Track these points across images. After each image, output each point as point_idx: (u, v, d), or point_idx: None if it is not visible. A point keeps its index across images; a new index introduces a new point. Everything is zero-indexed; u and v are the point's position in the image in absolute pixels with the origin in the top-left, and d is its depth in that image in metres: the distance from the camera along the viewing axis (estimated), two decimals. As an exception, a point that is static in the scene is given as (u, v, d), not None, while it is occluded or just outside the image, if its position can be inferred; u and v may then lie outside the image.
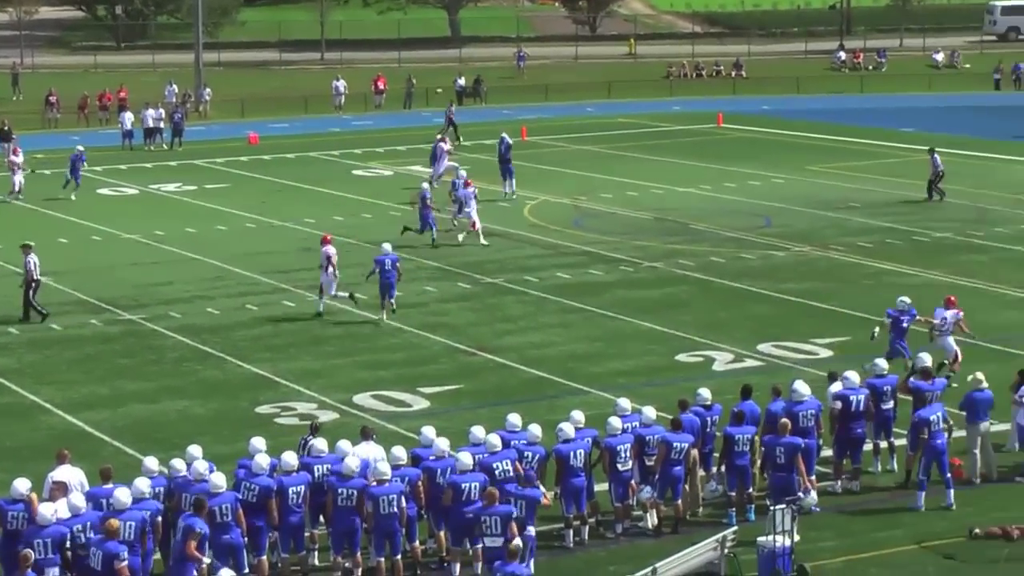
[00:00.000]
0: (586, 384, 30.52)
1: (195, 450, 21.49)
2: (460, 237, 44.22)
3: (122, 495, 19.90)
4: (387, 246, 37.24)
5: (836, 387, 24.70)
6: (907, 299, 30.72)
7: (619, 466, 22.67)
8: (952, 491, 23.72)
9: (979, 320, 34.00)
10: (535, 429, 22.70)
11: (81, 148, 51.91)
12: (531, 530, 21.10)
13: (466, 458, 21.50)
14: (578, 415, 23.23)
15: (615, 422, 23.04)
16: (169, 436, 26.64)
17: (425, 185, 46.39)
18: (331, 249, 36.91)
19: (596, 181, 55.10)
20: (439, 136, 56.38)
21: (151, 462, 21.32)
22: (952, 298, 31.16)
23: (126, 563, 19.03)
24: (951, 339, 30.37)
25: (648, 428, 23.17)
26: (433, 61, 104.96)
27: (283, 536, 21.11)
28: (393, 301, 36.14)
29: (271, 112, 78.41)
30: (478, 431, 22.41)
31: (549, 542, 22.40)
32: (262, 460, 21.14)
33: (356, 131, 72.43)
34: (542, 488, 21.63)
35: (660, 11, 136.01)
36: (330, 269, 36.56)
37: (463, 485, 21.22)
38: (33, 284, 36.29)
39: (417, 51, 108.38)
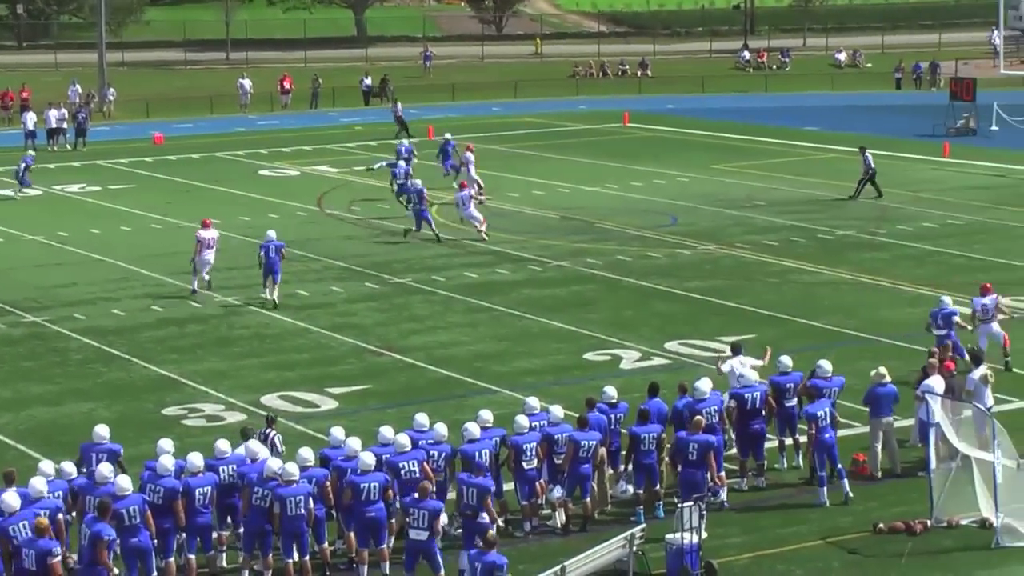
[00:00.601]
0: (494, 383, 30.57)
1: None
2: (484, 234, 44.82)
3: (11, 499, 19.75)
4: (271, 233, 38.39)
5: (732, 364, 25.44)
6: (947, 298, 31.35)
7: (524, 464, 22.74)
8: (846, 481, 24.02)
9: (881, 317, 34.44)
10: (441, 428, 22.74)
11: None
12: (484, 517, 21.39)
13: (368, 458, 21.50)
14: (486, 414, 23.29)
15: (522, 420, 23.12)
16: (74, 439, 26.32)
17: (419, 182, 46.79)
18: (207, 233, 38.51)
19: (502, 180, 55.20)
20: (447, 136, 55.72)
21: (47, 466, 21.11)
22: (987, 285, 31.70)
23: (59, 559, 18.91)
24: (995, 325, 31.09)
25: (556, 427, 23.25)
26: (339, 60, 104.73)
27: (190, 537, 21.00)
28: (276, 287, 37.15)
29: (176, 112, 77.94)
30: (386, 431, 22.43)
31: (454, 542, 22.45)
32: (167, 462, 21.01)
33: (262, 131, 72.14)
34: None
35: (566, 11, 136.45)
36: (205, 252, 38.18)
37: (362, 485, 21.22)
38: None
39: (323, 51, 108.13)
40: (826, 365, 25.27)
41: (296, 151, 64.81)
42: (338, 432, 22.50)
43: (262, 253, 37.27)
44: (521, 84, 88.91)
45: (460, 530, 21.86)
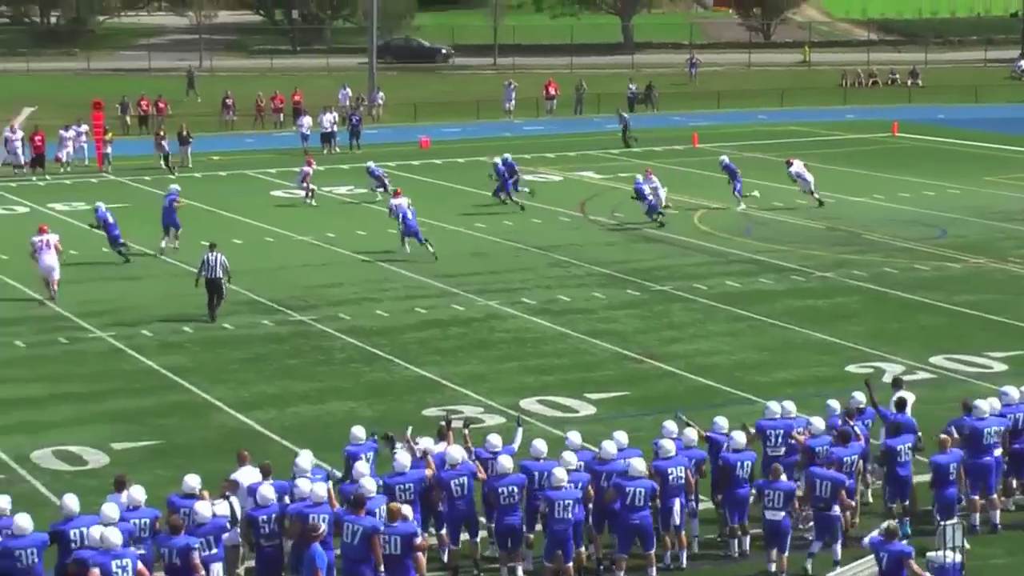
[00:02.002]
0: (753, 393, 30.21)
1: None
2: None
3: (266, 491, 20.21)
4: (174, 186, 45.60)
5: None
6: None
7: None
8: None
9: None
10: (691, 434, 22.56)
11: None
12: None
13: (639, 464, 21.34)
14: (739, 437, 22.81)
15: (739, 438, 22.53)
16: (335, 437, 26.76)
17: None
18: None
19: (767, 189, 54.61)
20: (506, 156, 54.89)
21: (304, 459, 21.39)
22: None
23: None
24: None
25: (816, 439, 22.85)
26: (605, 67, 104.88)
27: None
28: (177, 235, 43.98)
29: (443, 116, 78.83)
30: (666, 443, 22.08)
31: (713, 550, 22.24)
32: (457, 453, 21.41)
33: (527, 136, 72.52)
34: None
35: (835, 18, 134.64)
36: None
37: (628, 489, 21.07)
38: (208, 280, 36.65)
39: (589, 57, 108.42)
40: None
41: (560, 156, 65.01)
42: (610, 445, 22.31)
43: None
44: (788, 92, 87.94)
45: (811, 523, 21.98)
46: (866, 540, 19.85)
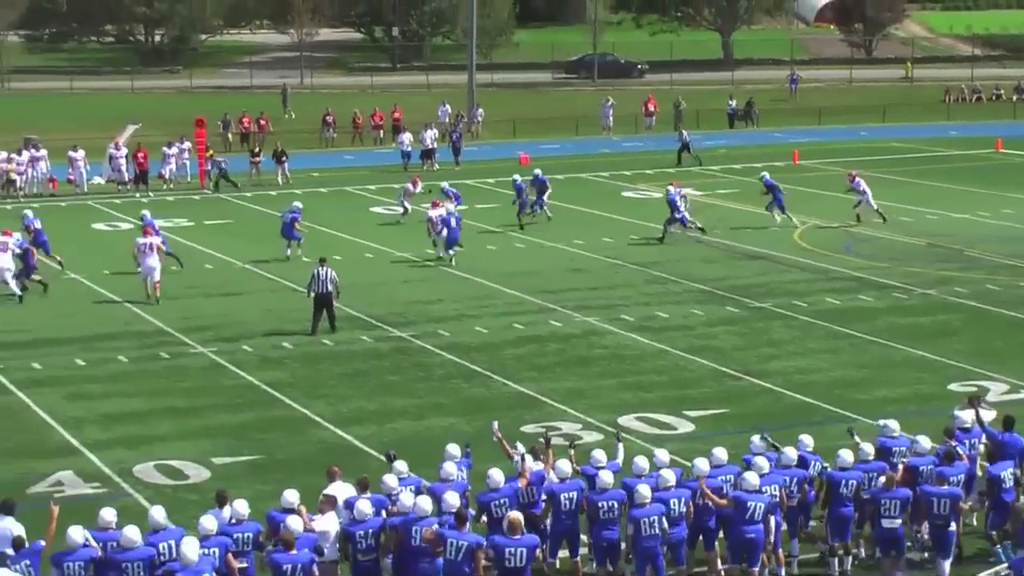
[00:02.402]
0: (854, 411, 29.96)
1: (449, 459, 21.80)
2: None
3: (363, 506, 20.38)
4: (297, 204, 46.91)
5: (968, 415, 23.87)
6: None
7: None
8: None
9: None
10: (791, 453, 22.40)
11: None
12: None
13: (752, 479, 21.30)
14: (867, 447, 22.65)
15: (846, 456, 22.36)
16: (433, 453, 26.84)
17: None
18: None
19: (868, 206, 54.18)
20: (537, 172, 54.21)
21: (401, 465, 21.79)
22: None
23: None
24: None
25: (920, 458, 22.60)
26: (704, 83, 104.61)
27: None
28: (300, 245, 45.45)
29: (542, 133, 78.93)
30: (760, 460, 21.99)
31: (814, 569, 22.09)
32: (566, 467, 21.57)
33: (626, 152, 72.47)
34: None
35: (938, 33, 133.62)
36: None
37: (749, 504, 21.06)
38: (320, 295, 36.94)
39: (688, 73, 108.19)
40: None
41: (659, 173, 64.88)
42: (710, 457, 22.28)
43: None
44: (890, 108, 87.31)
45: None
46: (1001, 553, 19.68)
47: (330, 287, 36.92)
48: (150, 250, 40.64)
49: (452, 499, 20.46)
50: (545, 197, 52.04)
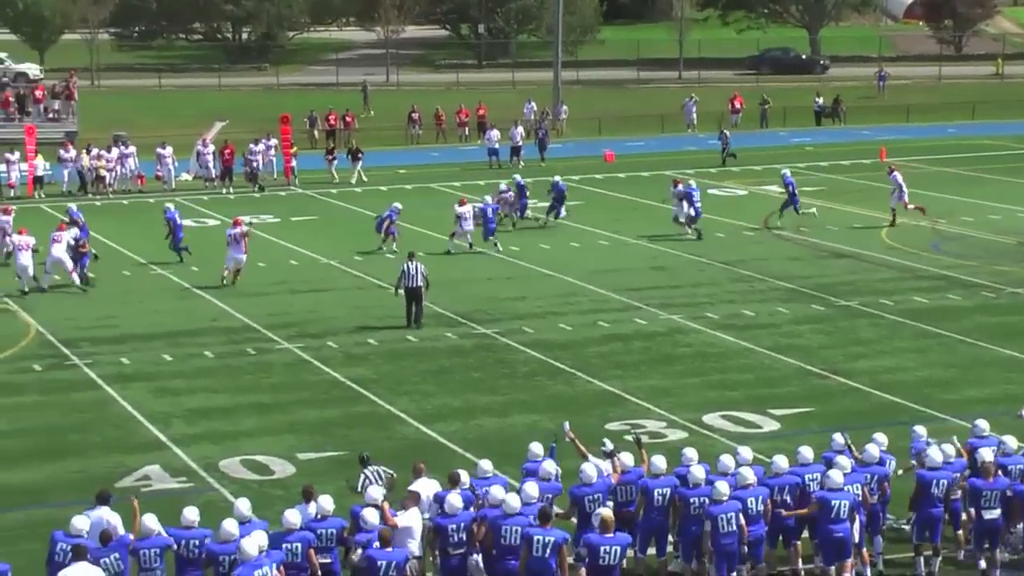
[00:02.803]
0: (942, 411, 29.70)
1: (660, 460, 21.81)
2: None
3: (454, 500, 20.42)
4: (396, 204, 47.59)
5: None
6: None
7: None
8: None
9: None
10: (873, 450, 22.24)
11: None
12: None
13: (837, 476, 21.17)
14: (949, 447, 22.45)
15: (935, 455, 22.15)
16: (517, 450, 26.85)
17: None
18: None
19: (957, 204, 53.74)
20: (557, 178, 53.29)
21: (487, 464, 21.90)
22: None
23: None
24: None
25: (1008, 458, 22.38)
26: (791, 81, 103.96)
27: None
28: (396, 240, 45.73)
29: (627, 130, 78.74)
30: (843, 460, 21.84)
31: (902, 570, 21.91)
32: (660, 463, 21.56)
33: (711, 150, 72.08)
34: None
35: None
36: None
37: (833, 502, 20.95)
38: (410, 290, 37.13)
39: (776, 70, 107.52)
40: None
41: (745, 170, 64.57)
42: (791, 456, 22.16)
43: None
44: (980, 105, 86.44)
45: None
46: None
47: (420, 281, 37.08)
48: (235, 241, 42.23)
49: (531, 490, 20.57)
50: (562, 207, 51.34)
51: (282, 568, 18.98)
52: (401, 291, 37.21)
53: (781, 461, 21.76)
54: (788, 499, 21.48)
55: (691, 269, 44.12)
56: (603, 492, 21.18)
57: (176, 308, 39.98)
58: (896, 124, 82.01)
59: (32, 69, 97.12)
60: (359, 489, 21.58)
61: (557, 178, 52.50)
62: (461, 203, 47.67)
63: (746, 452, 22.18)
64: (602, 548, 19.63)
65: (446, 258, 45.99)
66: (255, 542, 18.85)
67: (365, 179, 62.36)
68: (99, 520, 19.99)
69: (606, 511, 20.24)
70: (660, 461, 21.59)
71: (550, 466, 21.61)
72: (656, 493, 21.29)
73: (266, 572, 18.64)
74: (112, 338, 36.77)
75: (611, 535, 19.71)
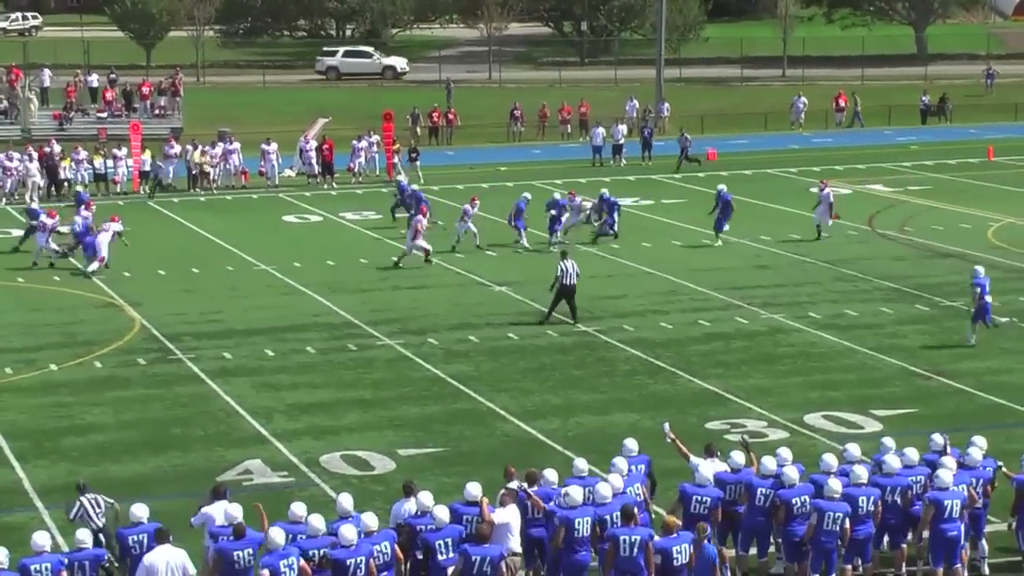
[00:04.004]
0: (1048, 414, 29.36)
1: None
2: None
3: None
4: (526, 194, 47.64)
5: None
6: None
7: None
8: None
9: None
10: (976, 453, 22.09)
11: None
12: None
13: (946, 475, 21.09)
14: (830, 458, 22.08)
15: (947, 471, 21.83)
16: (617, 448, 26.84)
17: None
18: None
19: (1065, 204, 53.06)
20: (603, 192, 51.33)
21: (581, 463, 21.89)
22: None
23: None
24: None
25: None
26: (897, 79, 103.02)
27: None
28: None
29: (731, 128, 78.33)
30: (948, 460, 21.63)
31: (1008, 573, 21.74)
32: (737, 459, 21.27)
33: (815, 148, 71.64)
34: None
35: None
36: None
37: (946, 502, 20.88)
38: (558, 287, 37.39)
39: (881, 68, 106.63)
40: None
41: (849, 169, 64.04)
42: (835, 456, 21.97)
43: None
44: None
45: None
46: None
47: (575, 279, 37.27)
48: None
49: (616, 482, 20.88)
50: (615, 215, 50.47)
51: (326, 553, 19.21)
52: (555, 288, 37.49)
53: (893, 461, 21.58)
54: (898, 500, 21.27)
55: (793, 268, 43.85)
56: (712, 498, 21.10)
57: (278, 304, 40.25)
58: (1004, 123, 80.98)
59: (400, 62, 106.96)
60: (71, 518, 21.45)
61: (604, 191, 51.50)
62: (571, 195, 48.28)
63: (854, 449, 22.04)
64: (674, 548, 19.69)
65: (547, 255, 45.90)
66: (282, 532, 19.21)
67: (422, 180, 61.78)
68: (221, 511, 20.34)
69: (670, 516, 20.31)
70: (769, 462, 21.49)
71: (622, 463, 21.68)
72: (759, 492, 21.22)
73: (292, 563, 18.90)
74: (215, 333, 37.09)
75: (674, 535, 19.79)
